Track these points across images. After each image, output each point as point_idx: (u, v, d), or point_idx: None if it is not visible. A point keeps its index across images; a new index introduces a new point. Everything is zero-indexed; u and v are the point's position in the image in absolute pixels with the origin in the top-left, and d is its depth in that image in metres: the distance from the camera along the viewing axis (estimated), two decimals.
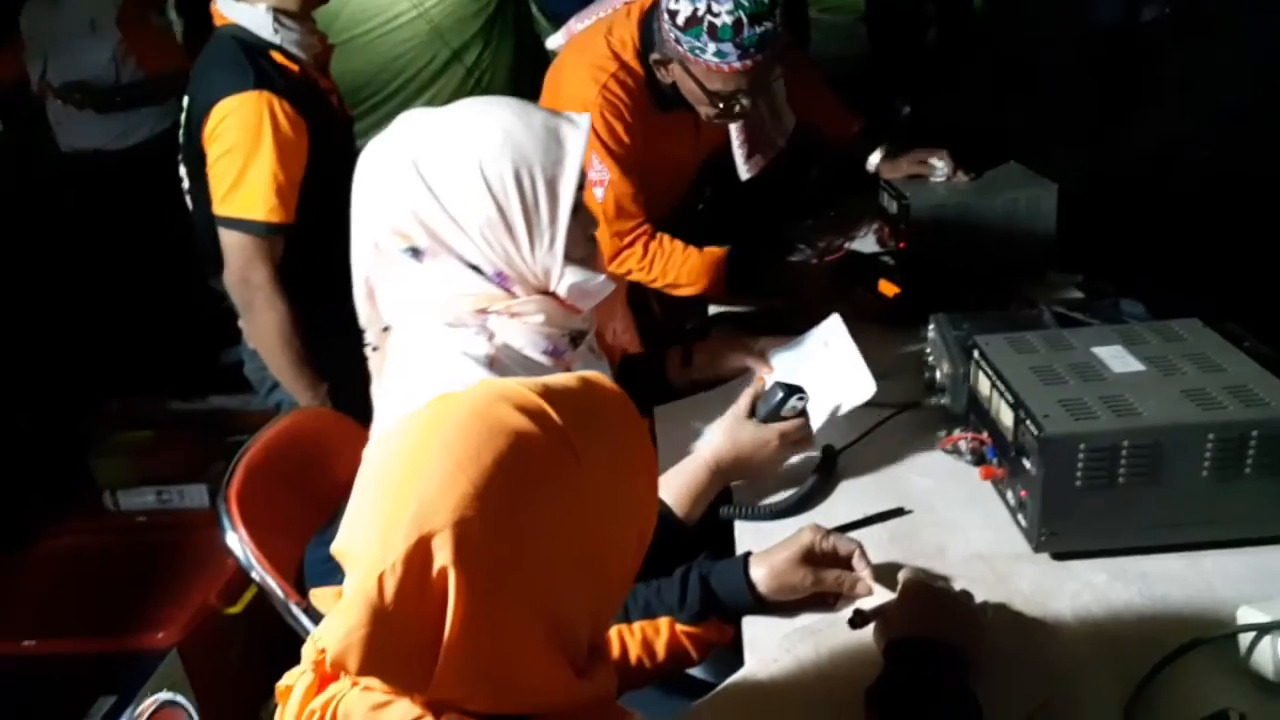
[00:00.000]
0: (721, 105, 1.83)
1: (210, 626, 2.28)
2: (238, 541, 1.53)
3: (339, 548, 0.74)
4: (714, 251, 1.93)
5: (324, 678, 0.75)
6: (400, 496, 0.69)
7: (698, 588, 1.16)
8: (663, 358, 1.72)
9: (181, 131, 2.05)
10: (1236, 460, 1.16)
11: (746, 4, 1.67)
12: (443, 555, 0.67)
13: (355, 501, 0.74)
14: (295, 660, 0.78)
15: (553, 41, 2.18)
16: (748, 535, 1.33)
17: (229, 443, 2.81)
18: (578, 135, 1.20)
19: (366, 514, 0.72)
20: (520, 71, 3.60)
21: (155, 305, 3.35)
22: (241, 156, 1.85)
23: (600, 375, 0.81)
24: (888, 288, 1.92)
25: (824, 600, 1.17)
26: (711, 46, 1.71)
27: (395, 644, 0.68)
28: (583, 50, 1.94)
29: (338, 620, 0.69)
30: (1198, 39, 2.66)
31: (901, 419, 1.55)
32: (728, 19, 1.68)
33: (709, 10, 1.68)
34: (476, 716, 0.71)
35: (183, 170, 2.09)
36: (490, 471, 0.68)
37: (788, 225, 2.50)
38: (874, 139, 2.30)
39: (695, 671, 1.25)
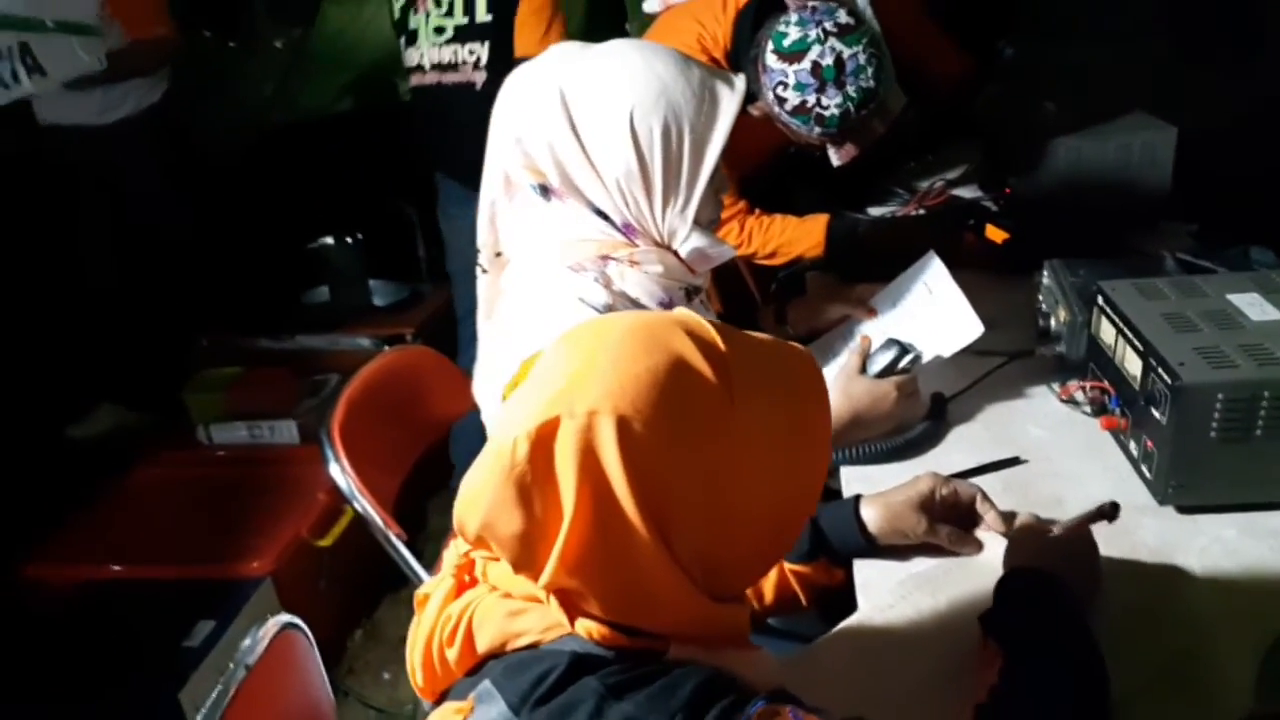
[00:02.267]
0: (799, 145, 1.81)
1: (301, 557, 2.34)
2: (340, 472, 1.55)
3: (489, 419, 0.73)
4: (814, 219, 1.89)
5: (461, 585, 0.74)
6: (551, 375, 0.69)
7: (806, 530, 1.13)
8: (754, 317, 1.68)
9: None
10: None
11: (855, 95, 1.62)
12: (571, 437, 0.66)
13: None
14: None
15: (650, 4, 2.12)
16: (855, 483, 1.31)
17: (315, 380, 2.89)
18: (732, 98, 1.16)
19: (518, 391, 0.72)
20: (596, 20, 3.38)
21: (240, 250, 3.39)
22: None
23: (799, 347, 0.78)
24: (995, 233, 1.86)
25: (937, 548, 1.14)
26: (817, 130, 1.68)
27: (516, 513, 0.67)
28: (674, 35, 1.87)
29: (476, 478, 0.69)
30: None
31: (1013, 368, 1.50)
32: (835, 111, 1.64)
33: (818, 104, 1.63)
34: (615, 628, 0.70)
35: None
36: (642, 379, 0.67)
37: (885, 170, 2.43)
38: (981, 81, 2.22)
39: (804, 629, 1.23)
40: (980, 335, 1.42)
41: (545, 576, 0.67)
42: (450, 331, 2.74)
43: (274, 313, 3.26)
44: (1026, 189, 2.02)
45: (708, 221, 1.23)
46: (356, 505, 1.56)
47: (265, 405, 2.75)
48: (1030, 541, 1.06)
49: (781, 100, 1.67)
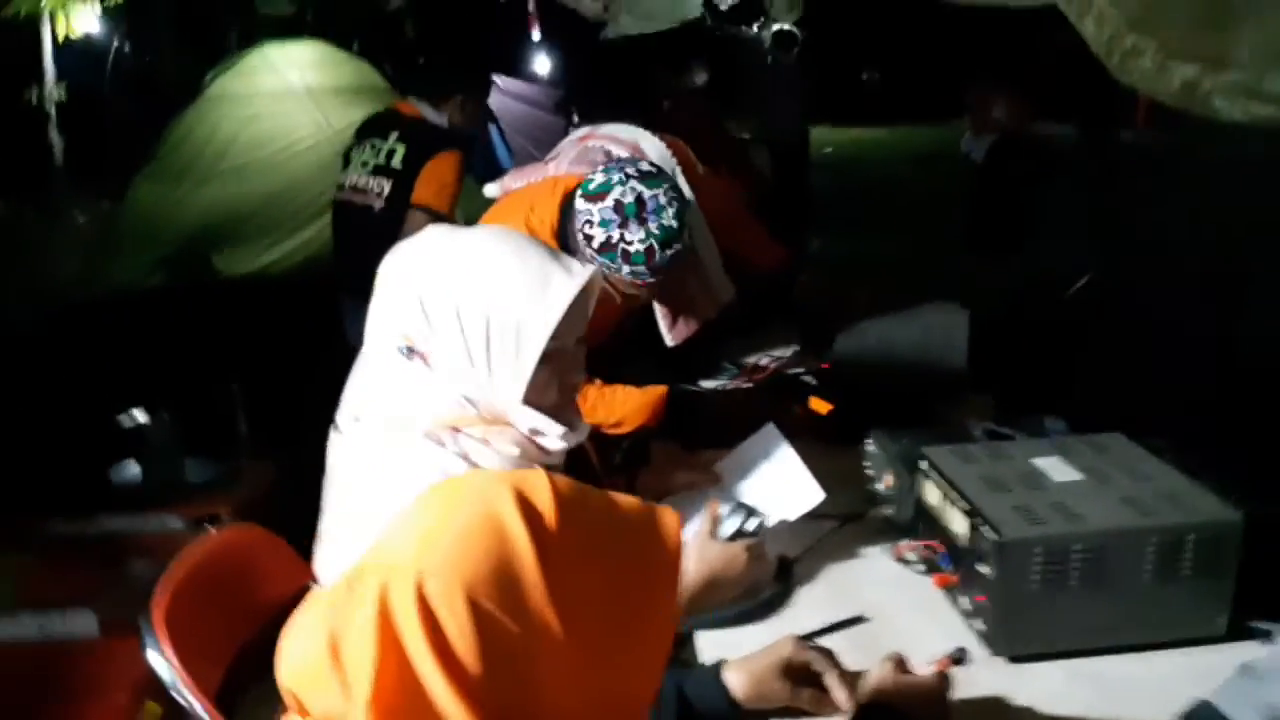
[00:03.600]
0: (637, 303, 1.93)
1: None
2: (161, 664, 1.43)
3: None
4: (654, 390, 2.00)
5: None
6: (386, 540, 0.72)
7: (673, 698, 1.14)
8: (599, 486, 1.71)
9: None
10: (1174, 562, 1.23)
11: (658, 232, 1.75)
12: (372, 593, 0.67)
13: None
14: None
15: (490, 190, 2.24)
16: (709, 648, 1.33)
17: (119, 567, 2.66)
18: (568, 283, 1.21)
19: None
20: None
21: (35, 425, 3.18)
22: None
23: (674, 520, 0.80)
24: (819, 405, 1.99)
25: (798, 711, 1.17)
26: (626, 269, 1.79)
27: (329, 673, 0.68)
28: (507, 216, 1.98)
29: (295, 647, 0.70)
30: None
31: (847, 529, 1.59)
32: (640, 246, 1.76)
33: (622, 239, 1.76)
34: None
35: None
36: (476, 553, 0.68)
37: (712, 345, 2.57)
38: (795, 268, 2.42)
39: None
40: (821, 500, 1.50)
41: None
42: (280, 507, 2.62)
43: (74, 491, 3.02)
44: (844, 366, 2.19)
45: (551, 405, 1.26)
46: (179, 699, 1.44)
47: (62, 594, 2.51)
48: (885, 679, 1.09)
49: (589, 239, 1.77)
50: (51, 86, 5.55)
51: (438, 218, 3.05)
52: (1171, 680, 1.20)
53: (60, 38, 5.58)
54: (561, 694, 0.70)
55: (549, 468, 1.28)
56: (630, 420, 1.99)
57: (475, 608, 0.67)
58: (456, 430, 1.21)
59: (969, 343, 2.23)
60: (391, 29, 8.60)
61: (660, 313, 2.16)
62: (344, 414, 1.26)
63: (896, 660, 1.11)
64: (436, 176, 3.15)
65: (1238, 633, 1.27)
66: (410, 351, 1.19)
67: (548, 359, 1.21)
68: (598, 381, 2.00)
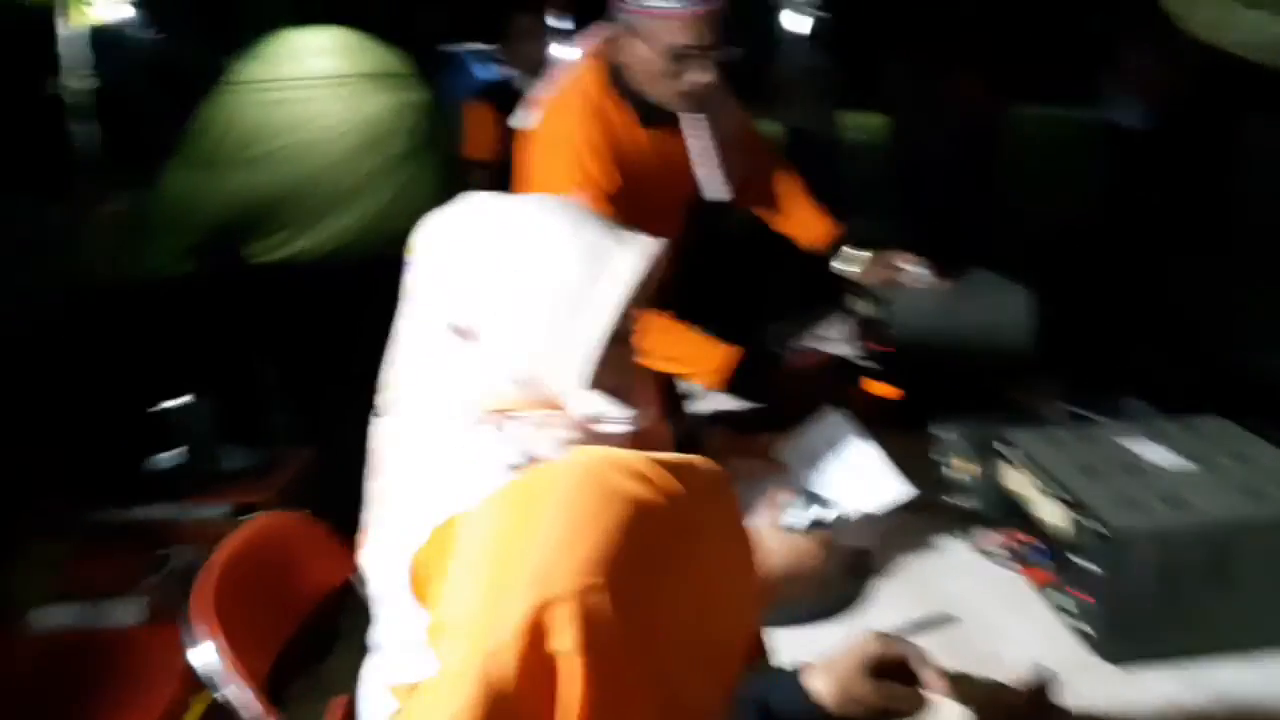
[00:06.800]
0: (681, 63, 1.83)
1: None
2: (208, 656, 1.37)
3: (434, 623, 0.64)
4: (724, 346, 1.88)
5: None
6: (511, 563, 0.61)
7: (752, 715, 1.05)
8: None
9: None
10: None
11: None
12: (565, 629, 0.58)
13: (455, 575, 0.65)
14: None
15: (519, 121, 2.14)
16: (782, 646, 1.24)
17: (159, 554, 2.63)
18: (628, 258, 1.13)
19: (469, 585, 0.63)
20: (448, 181, 3.76)
21: (71, 415, 3.15)
22: None
23: (701, 457, 0.74)
24: (889, 390, 1.89)
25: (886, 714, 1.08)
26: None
27: None
28: (552, 107, 1.95)
29: (438, 703, 0.58)
30: None
31: (922, 521, 1.49)
32: None
33: None
34: None
35: None
36: (613, 536, 0.60)
37: (757, 328, 2.48)
38: (852, 248, 2.31)
39: None
40: (909, 495, 1.40)
41: None
42: (319, 495, 2.57)
43: (112, 480, 2.99)
44: (906, 348, 2.09)
45: (611, 387, 1.18)
46: (225, 692, 1.38)
47: (102, 583, 2.47)
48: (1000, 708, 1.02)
49: None
50: (76, 74, 5.53)
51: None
52: None
53: (82, 25, 5.57)
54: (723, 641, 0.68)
55: None
56: (683, 362, 1.87)
57: (660, 593, 0.62)
58: (507, 415, 1.12)
59: (1036, 323, 2.13)
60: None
61: (711, 156, 2.06)
62: (386, 398, 1.18)
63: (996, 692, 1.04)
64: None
65: None
66: (458, 330, 1.11)
67: (613, 339, 1.12)
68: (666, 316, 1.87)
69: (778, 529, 1.31)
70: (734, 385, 1.87)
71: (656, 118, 1.95)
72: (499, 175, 3.51)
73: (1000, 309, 2.13)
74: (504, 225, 1.13)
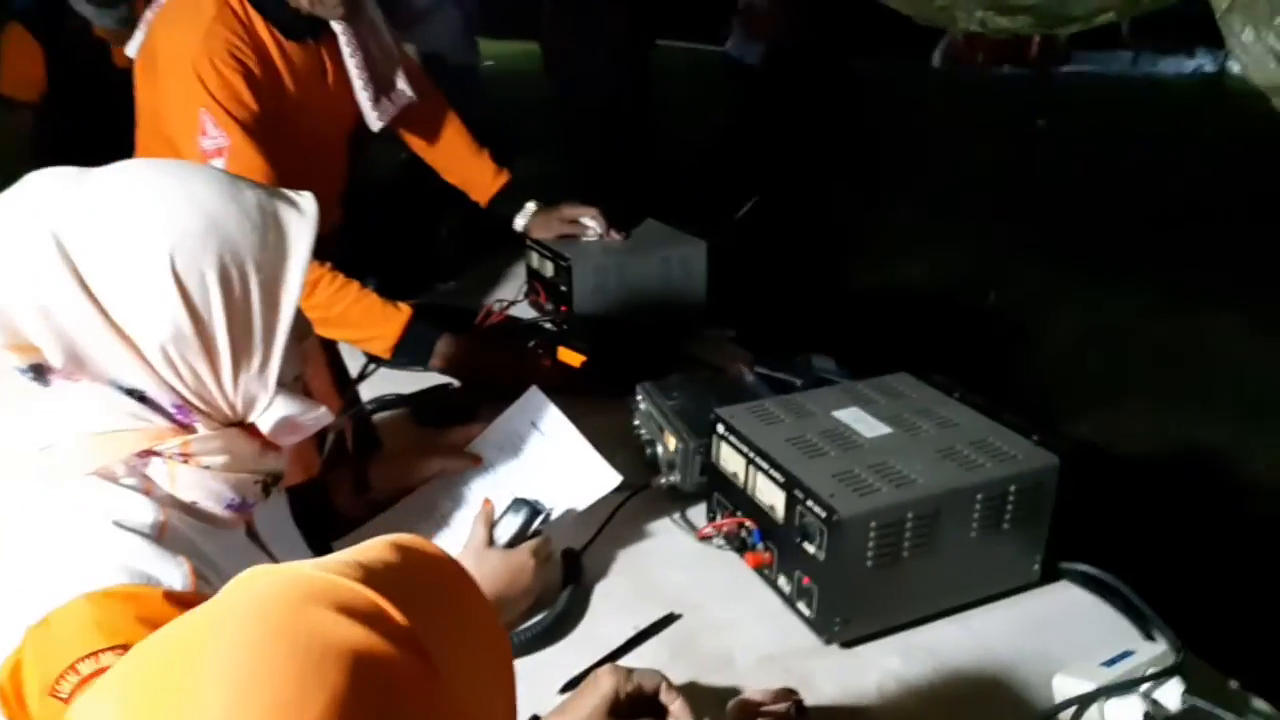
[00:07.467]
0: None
1: None
2: None
3: None
4: (398, 310, 1.68)
5: None
6: None
7: None
8: (324, 486, 1.35)
9: None
10: (997, 516, 1.16)
11: None
12: None
13: None
14: None
15: (131, 48, 1.76)
16: None
17: None
18: (303, 224, 0.89)
19: None
20: None
21: None
22: None
23: (412, 536, 0.56)
24: (570, 356, 1.77)
25: None
26: None
27: None
28: (173, 15, 1.65)
29: None
30: None
31: (631, 505, 1.39)
32: None
33: None
34: None
35: None
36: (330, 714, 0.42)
37: (422, 288, 2.27)
38: (520, 195, 2.16)
39: None
40: (616, 484, 1.29)
41: None
42: None
43: None
44: (585, 307, 1.98)
45: (292, 379, 0.95)
46: None
47: None
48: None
49: None
50: None
51: None
52: (992, 639, 1.15)
53: None
54: None
55: (275, 479, 0.98)
56: (352, 327, 1.67)
57: None
58: (146, 455, 0.86)
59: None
60: None
61: (359, 84, 1.82)
62: None
63: (741, 704, 0.96)
64: None
65: (1051, 575, 1.23)
66: (39, 371, 0.82)
67: (292, 324, 0.89)
68: (327, 266, 1.64)
69: (486, 549, 1.16)
70: (409, 352, 1.67)
71: (300, 27, 1.68)
72: (47, 121, 2.90)
73: (676, 262, 2.08)
74: (126, 208, 0.84)
